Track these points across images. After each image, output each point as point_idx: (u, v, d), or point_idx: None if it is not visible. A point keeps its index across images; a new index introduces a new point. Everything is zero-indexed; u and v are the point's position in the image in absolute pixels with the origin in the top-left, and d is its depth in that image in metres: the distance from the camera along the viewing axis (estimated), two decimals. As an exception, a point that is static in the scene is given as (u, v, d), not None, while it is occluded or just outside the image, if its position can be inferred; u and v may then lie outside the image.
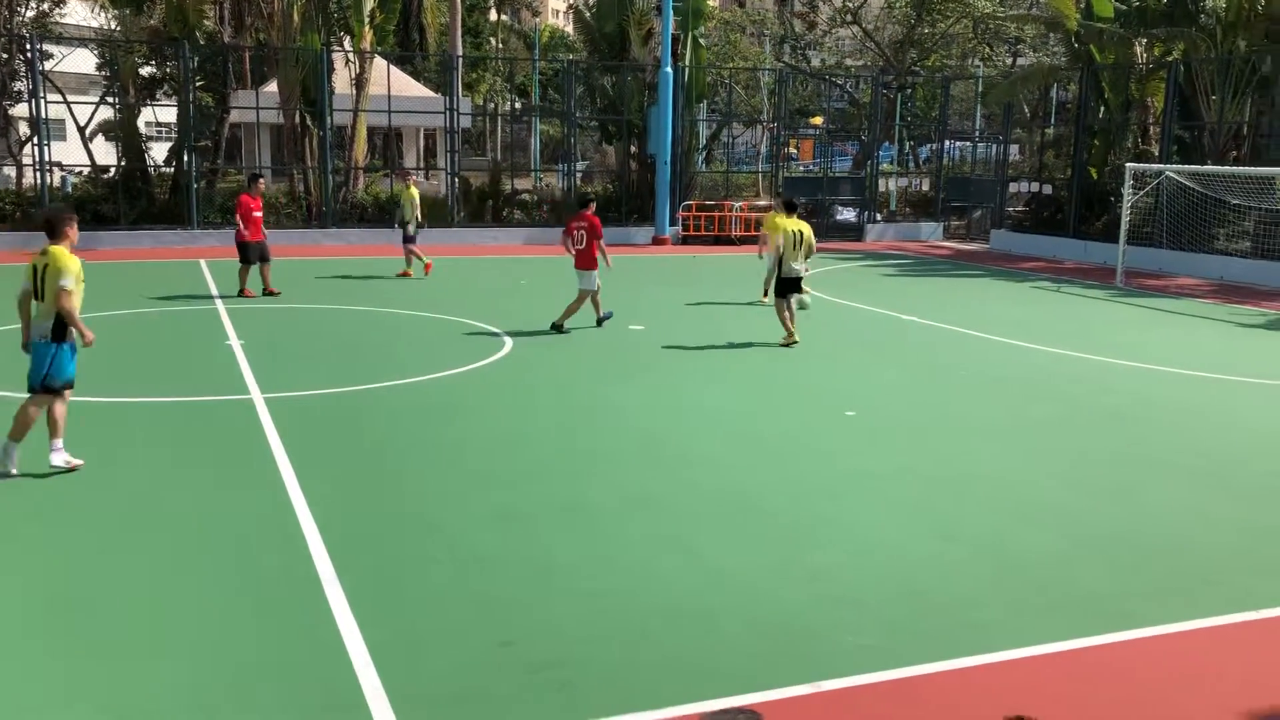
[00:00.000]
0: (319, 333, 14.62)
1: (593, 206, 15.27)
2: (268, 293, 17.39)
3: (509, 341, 13.80)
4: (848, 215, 33.10)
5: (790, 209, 14.60)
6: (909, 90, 40.08)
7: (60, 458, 7.97)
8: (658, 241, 28.65)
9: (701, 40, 31.41)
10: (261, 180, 18.80)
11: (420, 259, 20.55)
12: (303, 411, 10.16)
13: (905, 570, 6.60)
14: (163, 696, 4.95)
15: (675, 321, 16.15)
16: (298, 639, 5.54)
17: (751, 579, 6.40)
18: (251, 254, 17.48)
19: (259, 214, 17.66)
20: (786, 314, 13.90)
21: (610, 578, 6.38)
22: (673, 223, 29.09)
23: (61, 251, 7.90)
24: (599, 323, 15.05)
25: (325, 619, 5.73)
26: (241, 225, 17.47)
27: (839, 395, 11.27)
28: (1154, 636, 5.77)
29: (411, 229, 20.41)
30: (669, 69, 27.96)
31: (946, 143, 37.48)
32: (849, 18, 41.34)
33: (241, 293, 17.22)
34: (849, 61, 46.03)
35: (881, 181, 34.56)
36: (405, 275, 20.48)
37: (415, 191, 20.64)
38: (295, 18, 26.86)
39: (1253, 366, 13.32)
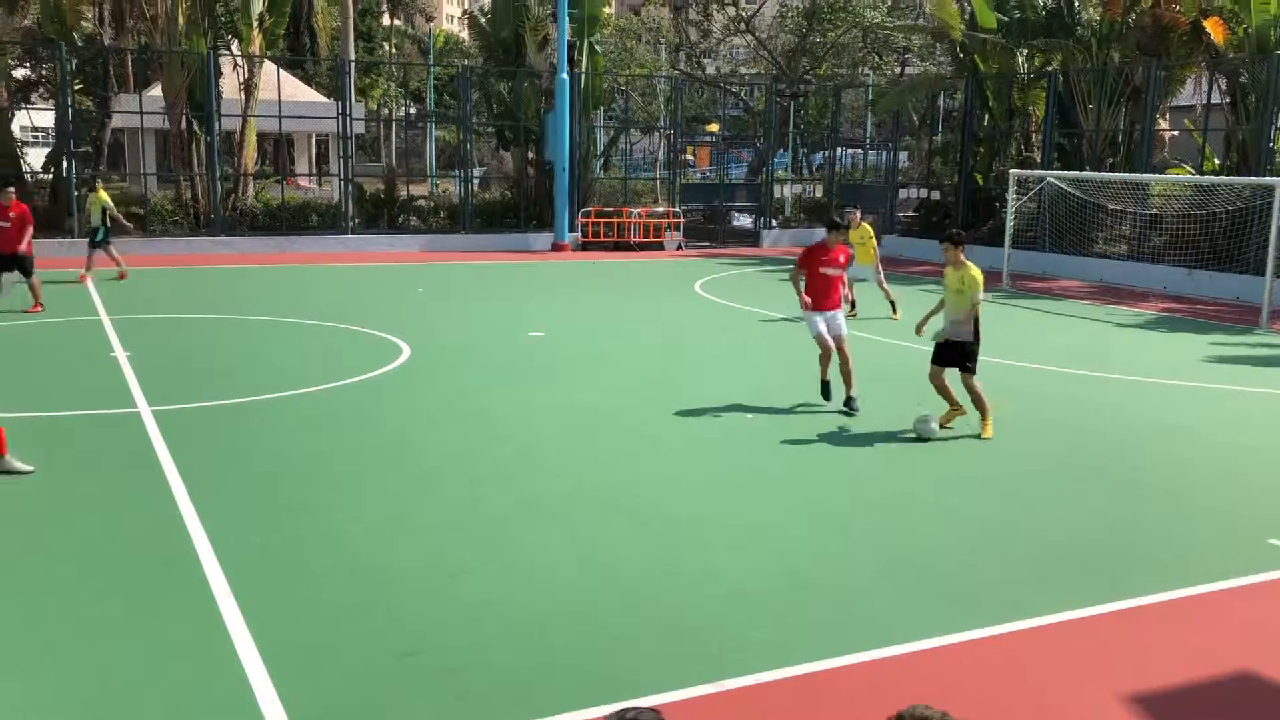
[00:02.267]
0: (210, 343, 14.23)
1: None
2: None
3: (406, 349, 13.63)
4: (744, 221, 33.55)
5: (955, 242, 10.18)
6: (802, 98, 40.73)
7: None
8: (557, 248, 28.62)
9: (598, 47, 31.47)
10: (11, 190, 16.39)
11: (118, 265, 19.80)
12: (193, 423, 9.88)
13: (795, 565, 6.72)
14: (44, 714, 4.78)
15: (574, 327, 16.16)
16: (190, 654, 5.38)
17: (644, 579, 6.45)
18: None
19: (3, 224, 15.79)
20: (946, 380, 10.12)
21: (505, 584, 6.36)
22: (572, 229, 29.09)
23: None
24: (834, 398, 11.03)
25: (219, 633, 5.59)
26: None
27: (734, 394, 11.41)
28: (1042, 626, 5.98)
29: (101, 234, 19.55)
30: (565, 75, 27.98)
31: (839, 150, 38.24)
32: (742, 26, 41.93)
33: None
34: (743, 69, 46.71)
35: (776, 188, 35.08)
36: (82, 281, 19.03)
37: (105, 195, 19.99)
38: (180, 20, 26.13)
39: (1128, 364, 13.89)
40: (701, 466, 8.90)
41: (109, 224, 19.62)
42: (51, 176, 26.92)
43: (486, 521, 7.44)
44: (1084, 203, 23.86)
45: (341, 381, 11.78)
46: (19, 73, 29.22)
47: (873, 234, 17.57)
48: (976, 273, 9.81)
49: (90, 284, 18.90)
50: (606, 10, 31.48)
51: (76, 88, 27.66)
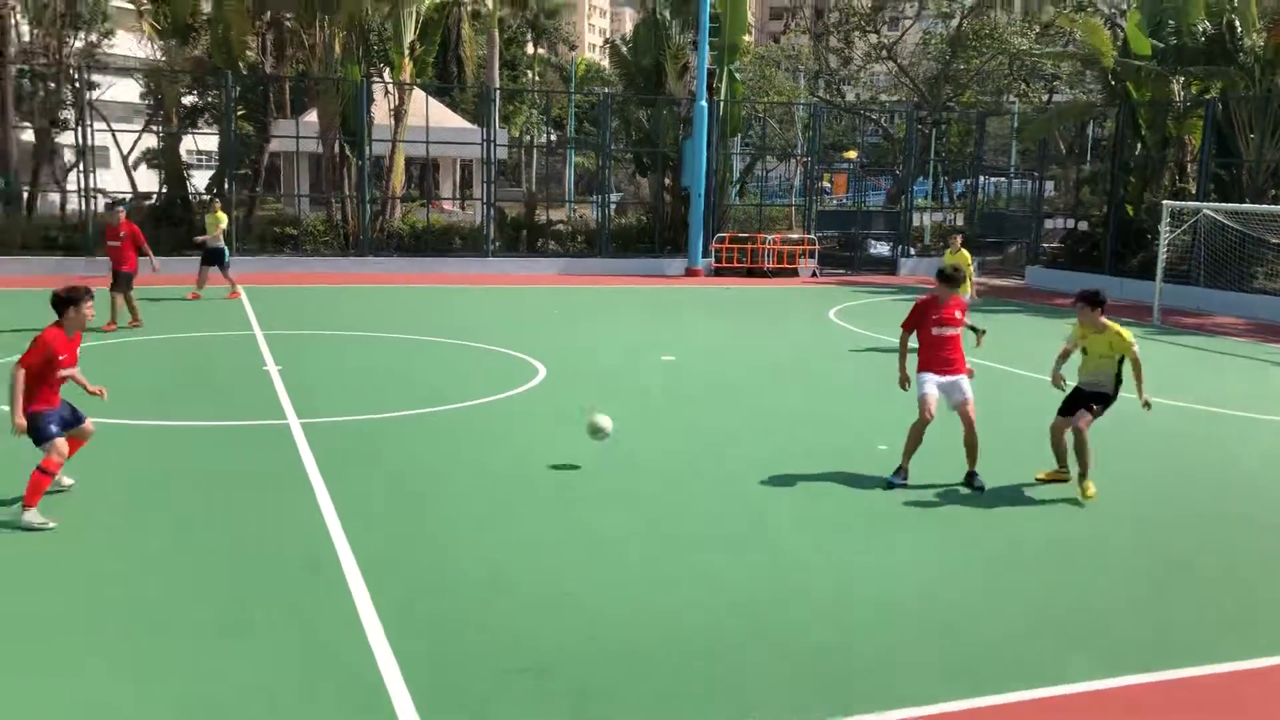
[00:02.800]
0: (355, 359, 14.76)
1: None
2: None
3: (542, 370, 13.86)
4: (881, 249, 33.08)
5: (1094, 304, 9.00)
6: (944, 125, 40.06)
7: None
8: (691, 273, 28.74)
9: (737, 75, 31.59)
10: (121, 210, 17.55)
11: (220, 286, 20.22)
12: (338, 436, 10.25)
13: (934, 608, 6.56)
14: (184, 711, 5.00)
15: (706, 352, 16.18)
16: (328, 657, 5.57)
17: (768, 606, 6.38)
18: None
19: (113, 243, 16.59)
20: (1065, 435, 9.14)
21: (633, 606, 6.38)
22: (706, 254, 29.18)
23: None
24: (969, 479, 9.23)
25: (358, 638, 5.77)
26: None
27: (877, 429, 11.22)
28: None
29: (225, 253, 20.28)
30: (704, 103, 28.15)
31: (981, 178, 37.42)
32: (884, 53, 41.49)
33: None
34: (884, 97, 46.16)
35: (915, 216, 34.51)
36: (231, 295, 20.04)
37: (222, 215, 20.57)
38: (336, 49, 27.31)
39: (1292, 406, 13.15)
40: (828, 499, 8.77)
41: (220, 242, 20.09)
42: (215, 197, 28.35)
43: (615, 543, 7.49)
44: (1243, 237, 22.75)
45: (479, 399, 12.06)
46: (188, 99, 30.88)
47: (970, 263, 17.06)
48: (1128, 334, 8.87)
49: (244, 298, 19.86)
50: (746, 38, 31.57)
51: (239, 114, 29.08)
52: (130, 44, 35.57)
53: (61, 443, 7.59)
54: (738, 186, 35.14)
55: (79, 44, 30.96)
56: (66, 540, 7.21)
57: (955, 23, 40.61)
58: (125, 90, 39.33)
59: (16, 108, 27.49)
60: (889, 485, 8.98)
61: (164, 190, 28.50)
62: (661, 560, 7.18)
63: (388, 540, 7.39)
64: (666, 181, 31.29)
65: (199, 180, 32.81)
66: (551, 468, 9.35)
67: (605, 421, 9.40)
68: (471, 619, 6.12)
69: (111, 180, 31.91)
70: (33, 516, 7.35)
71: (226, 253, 20.19)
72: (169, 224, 26.30)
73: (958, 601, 6.63)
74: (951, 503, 8.67)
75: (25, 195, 27.99)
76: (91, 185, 25.60)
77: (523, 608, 6.30)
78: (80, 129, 25.98)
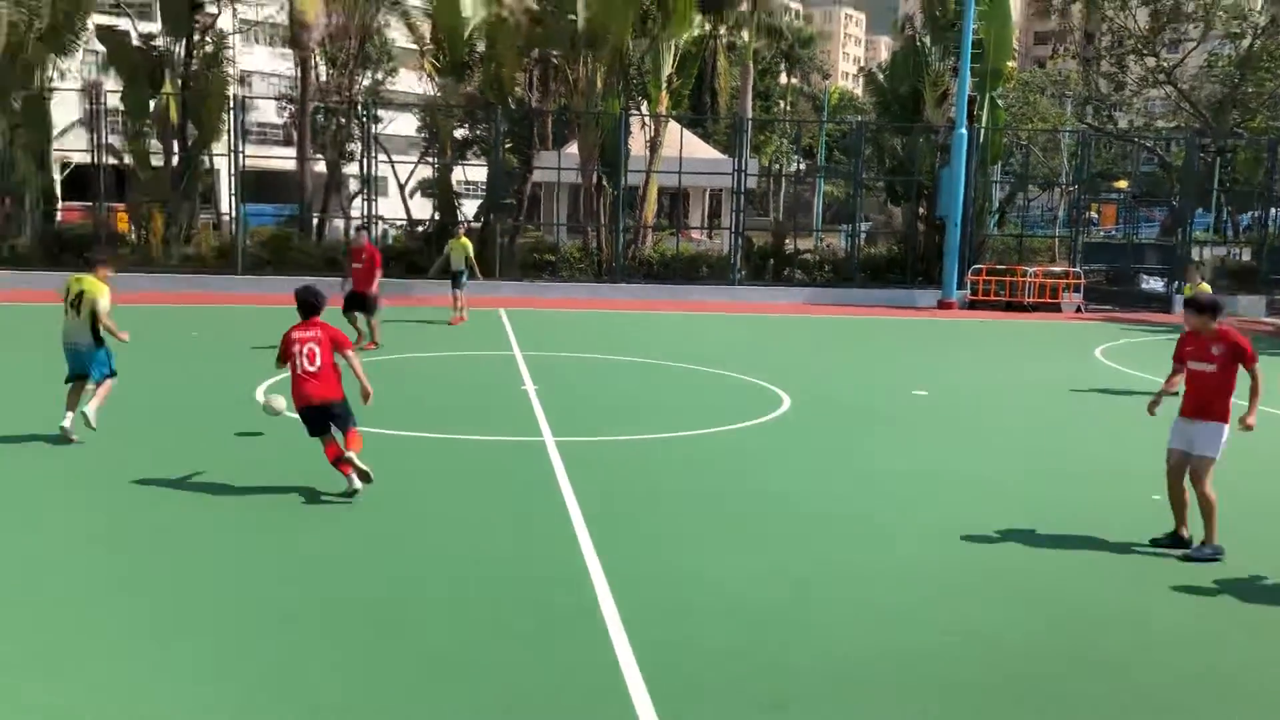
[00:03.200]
0: (607, 381, 15.17)
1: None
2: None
3: (786, 399, 13.76)
4: (1154, 285, 30.98)
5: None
6: (1229, 153, 37.12)
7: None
8: (943, 305, 27.86)
9: (999, 101, 30.51)
10: (363, 233, 18.93)
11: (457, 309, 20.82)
12: (590, 455, 10.53)
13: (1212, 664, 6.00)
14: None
15: (960, 387, 15.59)
16: (578, 673, 5.69)
17: (1021, 646, 6.02)
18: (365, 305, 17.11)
19: (356, 265, 17.24)
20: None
21: (873, 643, 6.17)
22: (960, 286, 28.22)
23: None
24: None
25: (607, 657, 5.86)
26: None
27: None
28: None
29: (463, 278, 20.69)
30: (964, 130, 27.31)
31: (1273, 210, 34.40)
32: (1162, 77, 38.93)
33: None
34: (1160, 123, 43.29)
35: (1195, 250, 32.10)
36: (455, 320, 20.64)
37: (468, 242, 21.14)
38: (598, 84, 28.31)
39: None
40: (1091, 547, 8.21)
41: (470, 269, 20.73)
42: (481, 225, 29.99)
43: (858, 580, 7.30)
44: None
45: (725, 426, 12.09)
46: (460, 133, 32.90)
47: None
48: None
49: (464, 320, 20.59)
50: (1010, 64, 30.44)
51: (506, 146, 30.66)
52: (410, 82, 38.27)
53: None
54: (997, 216, 33.85)
55: (366, 82, 33.58)
56: (356, 537, 7.73)
57: (1246, 43, 37.61)
58: (404, 125, 42.32)
59: (311, 141, 30.05)
60: (1189, 558, 7.84)
61: (436, 217, 30.36)
62: (915, 605, 6.93)
63: (636, 559, 7.50)
64: (920, 210, 30.54)
65: (468, 208, 34.79)
66: (795, 497, 9.24)
67: (278, 403, 9.46)
68: (717, 645, 6.09)
69: (389, 208, 34.32)
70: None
71: (464, 277, 20.68)
72: (440, 249, 27.94)
73: None
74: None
75: (316, 221, 30.52)
76: (373, 212, 27.62)
77: (768, 639, 6.23)
78: (365, 160, 28.14)
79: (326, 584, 6.88)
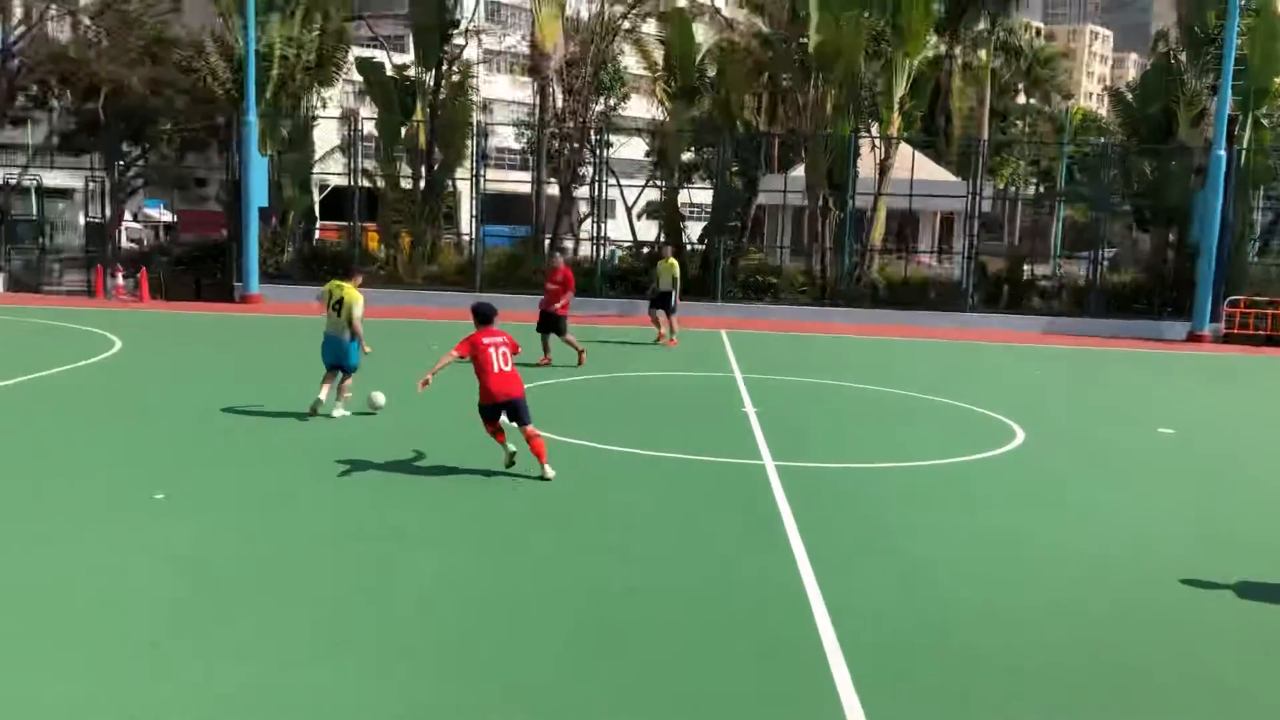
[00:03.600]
0: (828, 406, 14.97)
1: None
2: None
3: (1020, 433, 13.17)
4: None
5: None
6: None
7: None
8: (1194, 338, 26.02)
9: (1264, 120, 28.28)
10: (558, 255, 19.96)
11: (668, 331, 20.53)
12: (812, 482, 10.40)
13: None
14: (673, 733, 5.25)
15: (1211, 427, 14.49)
16: (798, 705, 5.62)
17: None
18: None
19: (552, 286, 17.64)
20: None
21: (1107, 688, 5.79)
22: (1214, 318, 26.28)
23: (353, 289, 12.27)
24: None
25: (826, 685, 5.77)
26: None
27: None
28: None
29: (671, 299, 20.34)
30: (1222, 152, 25.47)
31: None
32: None
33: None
34: None
35: None
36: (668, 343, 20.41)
37: (675, 263, 20.70)
38: (828, 106, 28.10)
39: None
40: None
41: (677, 289, 20.40)
42: (705, 247, 30.29)
43: (1093, 622, 6.89)
44: None
45: (954, 458, 11.69)
46: (686, 156, 33.38)
47: None
48: None
49: (676, 345, 20.33)
50: (1278, 80, 28.15)
51: (733, 170, 30.86)
52: (641, 107, 39.13)
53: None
54: (1258, 244, 31.33)
55: (599, 108, 34.58)
56: (568, 547, 7.95)
57: None
58: (633, 149, 43.30)
59: (546, 165, 31.22)
60: None
61: (661, 239, 30.87)
62: (1144, 648, 6.48)
63: (857, 588, 7.33)
64: (1170, 237, 28.66)
65: (692, 231, 35.22)
66: (1023, 535, 8.82)
67: (378, 399, 12.17)
68: (941, 687, 5.89)
69: (616, 230, 35.17)
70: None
71: (673, 298, 20.40)
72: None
73: None
74: None
75: (547, 242, 31.63)
76: (601, 234, 28.38)
77: (990, 687, 5.96)
78: (595, 184, 28.98)
79: (551, 583, 7.08)
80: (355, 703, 5.40)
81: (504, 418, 9.97)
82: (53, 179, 33.73)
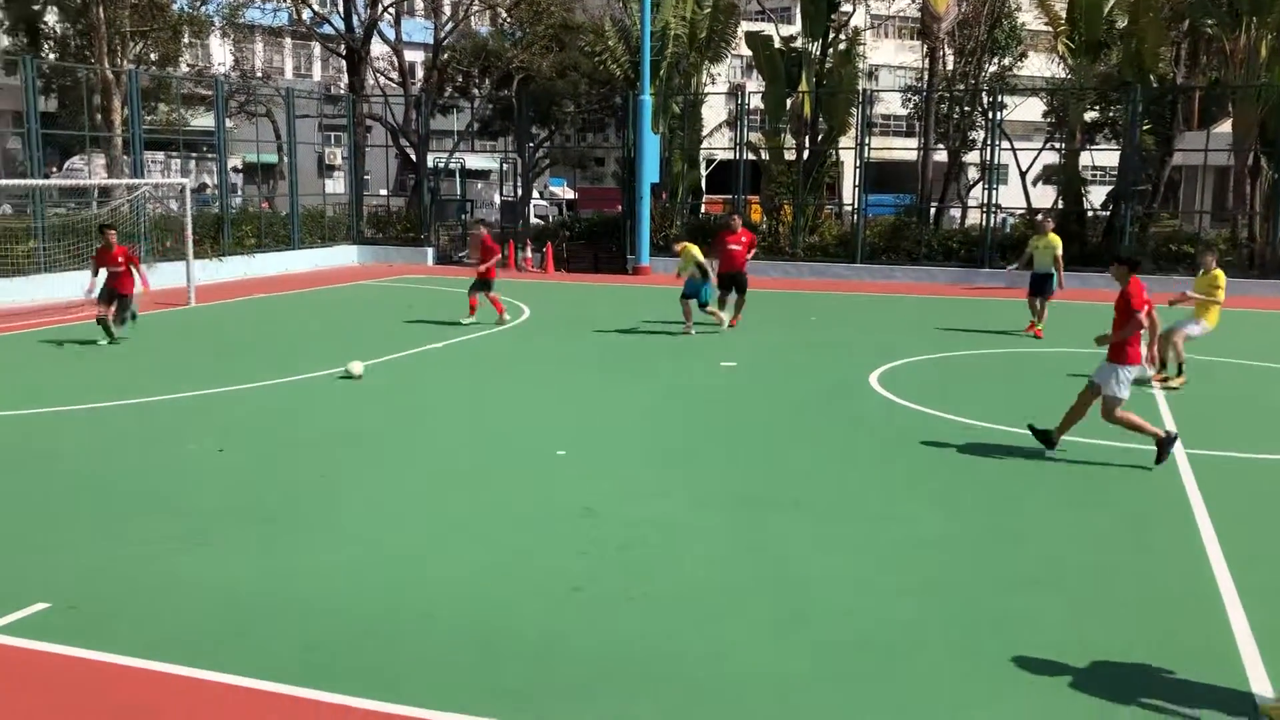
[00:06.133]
0: (1241, 390, 13.41)
1: None
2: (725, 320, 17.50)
3: None
4: None
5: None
6: None
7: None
8: None
9: None
10: (736, 218, 18.73)
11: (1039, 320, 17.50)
12: (1228, 473, 9.37)
13: None
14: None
15: None
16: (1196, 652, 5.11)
17: None
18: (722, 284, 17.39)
19: (735, 247, 17.20)
20: None
21: None
22: None
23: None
24: None
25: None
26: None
27: None
28: None
29: (1051, 284, 17.32)
30: None
31: None
32: None
33: None
34: None
35: None
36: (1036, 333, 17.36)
37: (1057, 240, 17.65)
38: (1261, 53, 24.98)
39: None
40: None
41: (1060, 271, 17.36)
42: (1109, 214, 28.04)
43: None
44: None
45: None
46: (1089, 115, 31.00)
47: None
48: None
49: (1041, 336, 17.24)
50: None
51: (1143, 128, 28.25)
52: (1038, 65, 36.84)
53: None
54: None
55: (992, 69, 32.92)
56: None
57: None
58: (1028, 110, 40.89)
59: (936, 129, 30.21)
60: None
61: (1059, 205, 28.95)
62: None
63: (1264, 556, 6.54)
64: None
65: (1094, 196, 32.72)
66: None
67: (356, 367, 12.57)
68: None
69: (1008, 196, 33.40)
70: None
71: (1053, 281, 17.37)
72: (1062, 238, 26.61)
73: None
74: None
75: (933, 210, 30.66)
76: (992, 201, 27.05)
77: None
78: (986, 148, 27.64)
79: (949, 567, 6.90)
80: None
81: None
82: (474, 161, 37.30)
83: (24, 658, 5.53)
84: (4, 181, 23.33)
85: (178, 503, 8.14)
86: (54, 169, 37.37)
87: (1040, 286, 17.47)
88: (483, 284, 18.16)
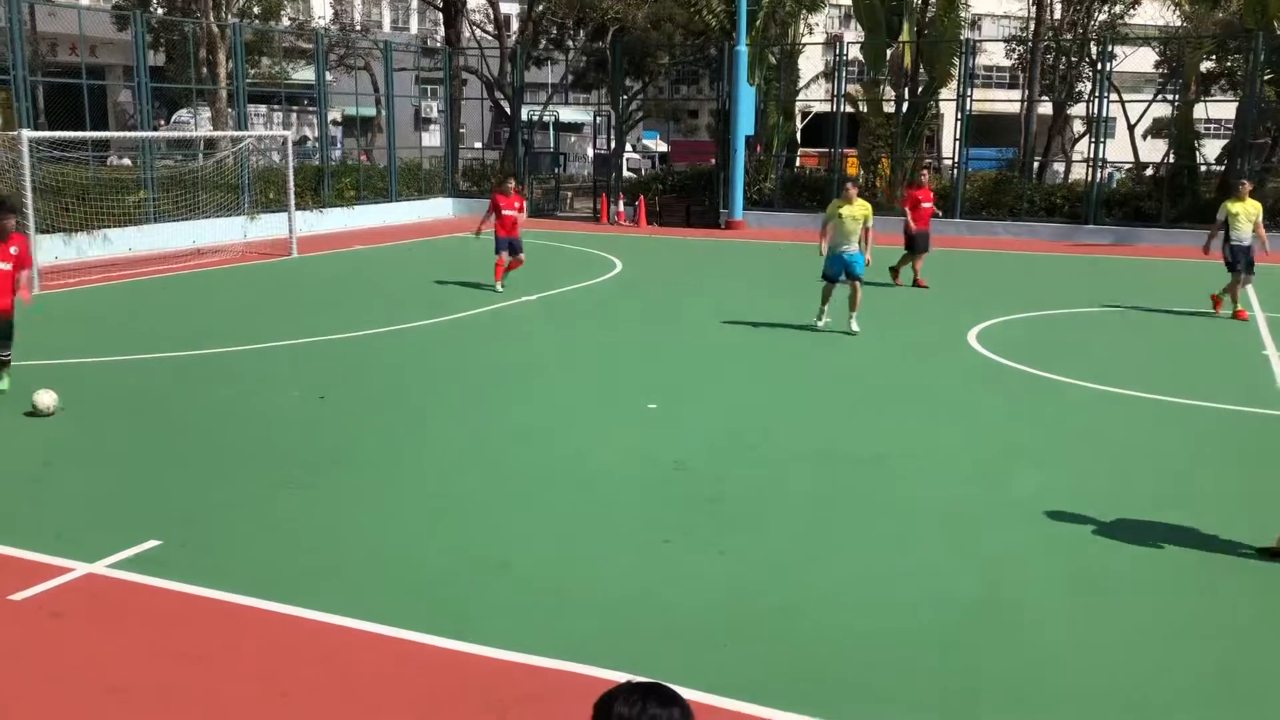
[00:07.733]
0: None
1: None
2: (916, 284, 17.63)
3: None
4: None
5: None
6: None
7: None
8: None
9: None
10: (925, 172, 20.57)
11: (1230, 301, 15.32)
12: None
13: None
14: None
15: None
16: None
17: None
18: (917, 244, 17.89)
19: (926, 205, 18.05)
20: None
21: None
22: None
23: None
24: None
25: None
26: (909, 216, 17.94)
27: None
28: None
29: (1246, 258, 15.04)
30: None
31: None
32: None
33: (894, 281, 17.73)
34: None
35: None
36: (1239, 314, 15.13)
37: (1256, 204, 15.24)
38: (1395, -3, 23.57)
39: None
40: None
41: (1264, 241, 15.27)
42: (1224, 169, 26.88)
43: None
44: None
45: None
46: (1205, 65, 29.63)
47: None
48: None
49: (1243, 315, 15.14)
50: None
51: (1265, 78, 26.90)
52: (1151, 13, 35.32)
53: None
54: None
55: (1103, 17, 31.68)
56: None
57: None
58: (1138, 61, 39.29)
59: (1040, 81, 29.24)
60: None
61: (1169, 160, 27.88)
62: None
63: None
64: None
65: (1210, 150, 31.39)
66: None
67: (44, 399, 9.14)
68: None
69: (1116, 150, 32.23)
70: None
71: (1253, 251, 15.09)
72: (1171, 194, 25.68)
73: None
74: None
75: (1036, 164, 29.76)
76: (1098, 155, 26.13)
77: None
78: (1094, 101, 26.65)
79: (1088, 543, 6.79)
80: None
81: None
82: (567, 114, 37.29)
83: (134, 591, 5.79)
84: (115, 134, 24.07)
85: (282, 447, 8.39)
86: (161, 122, 38.45)
87: (1240, 259, 15.07)
88: (502, 244, 16.89)
